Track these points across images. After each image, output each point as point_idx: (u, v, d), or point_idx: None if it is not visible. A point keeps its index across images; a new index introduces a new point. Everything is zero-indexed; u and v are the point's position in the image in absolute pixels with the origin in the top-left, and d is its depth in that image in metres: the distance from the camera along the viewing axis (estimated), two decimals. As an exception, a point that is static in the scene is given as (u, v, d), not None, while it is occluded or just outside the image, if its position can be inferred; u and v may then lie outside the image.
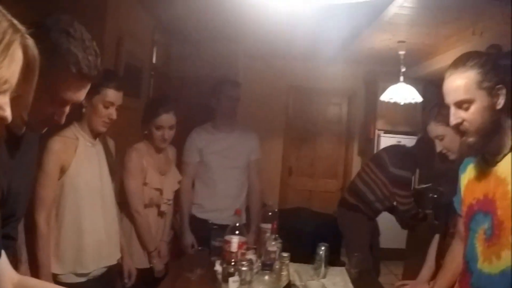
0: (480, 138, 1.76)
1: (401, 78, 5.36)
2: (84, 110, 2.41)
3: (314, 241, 2.95)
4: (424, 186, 5.12)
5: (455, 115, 1.78)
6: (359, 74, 7.31)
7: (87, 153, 2.45)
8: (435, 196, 4.69)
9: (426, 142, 3.73)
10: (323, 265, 2.85)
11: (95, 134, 2.50)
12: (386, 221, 4.82)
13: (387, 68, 6.30)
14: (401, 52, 5.28)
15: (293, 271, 2.81)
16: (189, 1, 4.23)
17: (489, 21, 4.18)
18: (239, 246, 2.62)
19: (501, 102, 1.72)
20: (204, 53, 5.87)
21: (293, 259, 2.78)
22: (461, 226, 2.17)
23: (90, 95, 2.14)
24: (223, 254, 2.65)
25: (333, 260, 3.06)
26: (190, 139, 3.73)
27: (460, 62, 1.77)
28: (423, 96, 5.48)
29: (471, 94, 1.72)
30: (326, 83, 7.17)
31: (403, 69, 5.35)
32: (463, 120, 1.76)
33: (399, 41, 5.20)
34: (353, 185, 4.50)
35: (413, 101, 5.42)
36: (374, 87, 6.79)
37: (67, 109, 1.39)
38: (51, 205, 2.31)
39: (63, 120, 1.39)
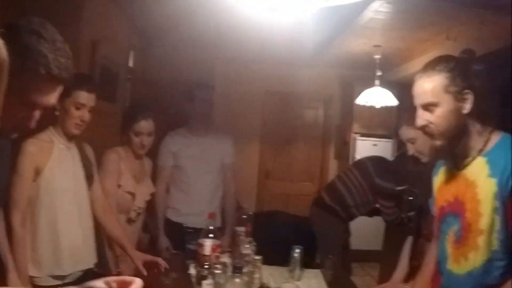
0: (446, 141, 1.80)
1: (377, 82, 5.40)
2: (57, 113, 2.40)
3: (290, 244, 2.96)
4: (400, 188, 5.15)
5: (421, 117, 1.82)
6: (335, 78, 7.35)
7: (62, 156, 2.44)
8: (411, 198, 4.72)
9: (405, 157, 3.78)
10: (297, 268, 2.86)
11: (70, 137, 2.49)
12: (363, 223, 4.84)
13: (363, 72, 6.35)
14: (377, 56, 5.33)
15: (268, 274, 2.82)
16: (166, 6, 4.22)
17: (463, 26, 4.24)
18: (213, 249, 2.62)
19: (467, 106, 1.75)
20: (181, 57, 5.86)
21: (269, 262, 2.79)
22: (435, 226, 2.21)
23: (62, 98, 2.12)
24: (197, 257, 2.65)
25: (308, 263, 3.07)
26: (164, 143, 3.73)
27: (429, 66, 1.81)
28: (398, 99, 5.53)
29: (437, 97, 1.76)
30: (302, 87, 7.18)
31: (379, 73, 5.40)
32: (429, 123, 1.79)
33: (375, 45, 5.25)
34: (332, 185, 4.49)
35: (389, 105, 5.46)
36: (350, 90, 6.83)
37: (38, 113, 1.36)
38: (26, 207, 2.30)
39: (34, 124, 1.37)
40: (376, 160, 4.42)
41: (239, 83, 6.95)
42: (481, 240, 1.70)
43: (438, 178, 2.02)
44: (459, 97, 1.75)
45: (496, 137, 1.79)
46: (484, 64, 1.80)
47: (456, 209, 1.81)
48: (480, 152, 1.78)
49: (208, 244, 2.61)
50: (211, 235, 2.66)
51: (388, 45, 5.22)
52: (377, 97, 5.37)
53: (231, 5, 2.93)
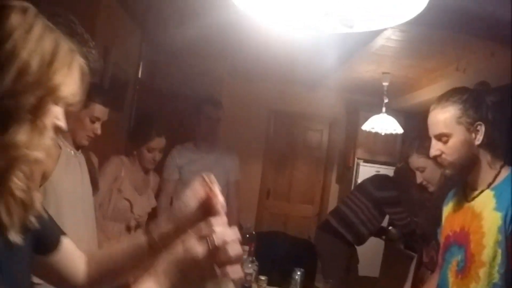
0: (457, 171, 1.84)
1: (383, 109, 5.41)
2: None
3: (289, 265, 2.95)
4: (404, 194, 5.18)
5: (434, 147, 1.86)
6: (341, 102, 7.36)
7: (69, 162, 2.43)
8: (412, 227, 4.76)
9: (404, 171, 3.84)
10: (297, 289, 2.84)
11: (77, 146, 2.49)
12: (372, 250, 4.86)
13: (370, 98, 6.38)
14: (385, 83, 5.35)
15: (268, 294, 2.80)
16: (178, 17, 4.25)
17: (473, 58, 4.27)
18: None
19: (479, 138, 1.78)
20: (190, 70, 5.87)
21: (267, 283, 2.78)
22: (440, 257, 2.21)
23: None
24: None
25: (307, 286, 3.05)
26: (171, 156, 3.73)
27: (444, 97, 1.84)
28: (404, 128, 5.54)
29: (450, 128, 1.81)
30: (309, 109, 7.21)
31: (386, 100, 5.41)
32: (442, 153, 1.82)
33: (384, 72, 5.27)
34: (337, 209, 4.60)
35: (394, 132, 5.47)
36: (356, 115, 6.85)
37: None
38: None
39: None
40: (375, 177, 4.60)
41: (245, 99, 6.96)
42: (482, 272, 1.71)
43: (448, 207, 2.03)
44: (471, 128, 1.79)
45: (506, 172, 1.81)
46: (498, 97, 1.82)
47: (461, 240, 1.83)
48: (489, 185, 1.80)
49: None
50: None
51: (396, 73, 5.25)
52: (383, 124, 5.39)
53: (243, 20, 2.94)
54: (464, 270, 1.78)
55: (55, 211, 2.34)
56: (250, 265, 2.73)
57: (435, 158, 1.88)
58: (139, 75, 5.16)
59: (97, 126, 2.46)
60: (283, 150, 7.46)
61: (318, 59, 5.08)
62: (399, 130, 5.43)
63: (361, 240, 4.46)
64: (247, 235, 3.01)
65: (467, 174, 1.85)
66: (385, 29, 3.68)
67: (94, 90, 2.31)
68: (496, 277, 1.69)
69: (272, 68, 6.03)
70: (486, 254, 1.71)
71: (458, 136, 1.80)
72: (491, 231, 1.71)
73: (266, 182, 7.46)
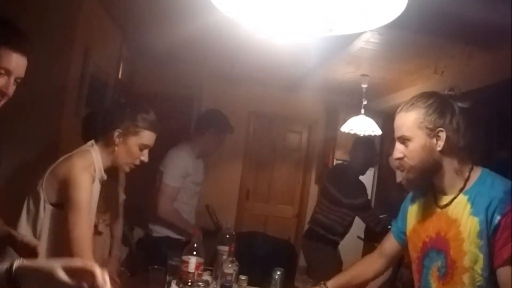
0: (416, 175, 1.84)
1: (362, 111, 5.46)
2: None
3: (269, 265, 2.96)
4: (381, 216, 5.21)
5: (397, 150, 1.87)
6: (321, 104, 7.41)
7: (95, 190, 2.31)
8: (390, 227, 4.80)
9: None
10: (277, 289, 2.86)
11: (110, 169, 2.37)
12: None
13: (349, 100, 6.43)
14: (364, 85, 5.40)
15: (246, 293, 2.81)
16: (159, 20, 4.25)
17: (450, 61, 4.33)
18: (196, 267, 2.62)
19: (440, 144, 1.78)
20: (170, 71, 5.87)
21: (247, 282, 2.79)
22: (386, 242, 2.28)
23: (126, 135, 2.22)
24: (180, 273, 2.63)
25: (287, 286, 3.07)
26: (178, 163, 3.73)
27: (410, 101, 1.86)
28: (382, 129, 5.59)
29: (411, 132, 1.81)
30: (288, 110, 7.25)
31: (365, 102, 5.45)
32: (404, 156, 1.84)
33: (362, 75, 5.32)
34: (316, 219, 4.61)
35: (372, 134, 5.52)
36: (335, 117, 6.90)
37: None
38: None
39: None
40: (336, 181, 4.57)
41: (225, 101, 6.88)
42: (466, 277, 1.72)
43: (413, 208, 2.05)
44: (431, 134, 1.79)
45: (476, 174, 1.81)
46: (469, 102, 1.82)
47: (439, 246, 1.83)
48: (461, 190, 1.80)
49: (192, 261, 2.60)
50: (194, 253, 2.66)
51: (375, 75, 5.30)
52: (362, 125, 5.43)
53: (223, 23, 2.95)
54: (446, 276, 1.79)
55: None
56: (230, 265, 2.74)
57: (397, 160, 1.88)
58: (119, 76, 5.15)
59: (146, 153, 2.33)
60: (263, 151, 7.49)
61: (298, 61, 5.12)
62: (377, 131, 5.47)
63: (342, 237, 4.54)
64: (227, 236, 3.02)
65: (427, 178, 1.86)
66: (364, 32, 3.72)
67: (141, 116, 2.26)
68: (480, 280, 1.70)
69: (252, 70, 6.05)
70: (467, 259, 1.72)
71: (418, 140, 1.80)
72: (470, 237, 1.71)
73: (246, 183, 7.47)
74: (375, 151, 4.71)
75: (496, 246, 1.66)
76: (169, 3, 3.68)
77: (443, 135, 1.77)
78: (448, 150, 1.79)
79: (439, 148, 1.79)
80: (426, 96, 1.84)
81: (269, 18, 1.49)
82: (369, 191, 7.02)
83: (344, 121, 5.63)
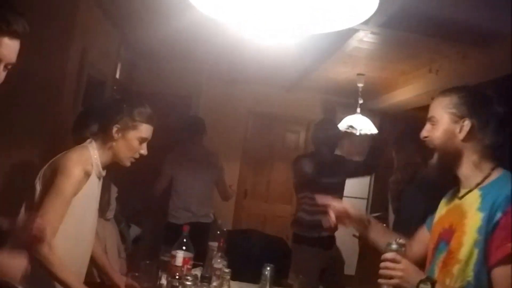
0: (440, 159, 1.89)
1: (358, 110, 5.49)
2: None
3: (262, 262, 2.98)
4: (375, 215, 5.23)
5: (425, 129, 1.94)
6: (318, 103, 7.42)
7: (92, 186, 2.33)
8: (384, 225, 4.83)
9: None
10: (267, 285, 2.88)
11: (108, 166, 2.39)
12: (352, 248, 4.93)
13: (346, 99, 6.46)
14: (360, 85, 5.43)
15: (238, 289, 2.85)
16: (157, 20, 4.28)
17: (445, 60, 4.36)
18: (185, 261, 2.64)
19: (463, 134, 1.82)
20: (168, 71, 5.90)
21: (241, 279, 2.82)
22: (418, 232, 2.22)
23: (125, 129, 2.24)
24: (169, 268, 2.67)
25: (280, 282, 3.08)
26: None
27: (453, 88, 1.93)
28: (378, 128, 5.62)
29: (438, 114, 1.89)
30: (286, 110, 7.29)
31: (361, 101, 5.49)
32: (429, 135, 1.91)
33: (358, 74, 5.35)
34: (300, 219, 4.53)
35: (368, 132, 5.55)
36: (332, 116, 6.88)
37: None
38: None
39: None
40: (303, 168, 4.66)
41: (223, 101, 6.99)
42: (456, 269, 1.75)
43: (443, 201, 2.06)
44: (457, 121, 1.84)
45: (497, 174, 1.83)
46: (503, 107, 1.86)
47: (447, 237, 1.85)
48: (477, 185, 1.82)
49: (180, 256, 2.63)
50: (184, 248, 2.68)
51: (371, 75, 5.33)
52: (358, 124, 5.46)
53: (222, 24, 2.98)
54: (445, 265, 1.82)
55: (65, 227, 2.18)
56: (219, 260, 2.78)
57: (424, 139, 1.94)
58: (117, 76, 5.18)
59: (144, 147, 2.36)
60: (261, 151, 7.51)
61: (295, 61, 5.14)
62: (373, 130, 5.51)
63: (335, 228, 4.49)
64: (218, 232, 3.05)
65: (448, 165, 1.90)
66: (357, 30, 3.74)
67: (138, 110, 2.29)
68: (470, 276, 1.71)
69: (250, 70, 6.07)
70: (462, 252, 1.74)
71: (442, 124, 1.86)
72: (471, 230, 1.73)
73: (244, 182, 7.49)
74: (336, 130, 4.70)
75: (492, 244, 1.68)
76: (168, 3, 3.70)
77: (467, 125, 1.82)
78: (471, 142, 1.83)
79: (460, 137, 1.83)
80: (467, 88, 1.91)
81: (247, 15, 1.51)
82: (366, 191, 7.13)
83: (341, 120, 5.67)
